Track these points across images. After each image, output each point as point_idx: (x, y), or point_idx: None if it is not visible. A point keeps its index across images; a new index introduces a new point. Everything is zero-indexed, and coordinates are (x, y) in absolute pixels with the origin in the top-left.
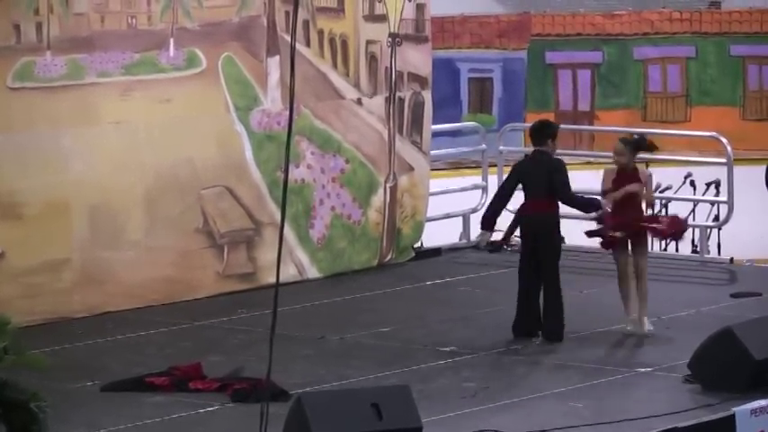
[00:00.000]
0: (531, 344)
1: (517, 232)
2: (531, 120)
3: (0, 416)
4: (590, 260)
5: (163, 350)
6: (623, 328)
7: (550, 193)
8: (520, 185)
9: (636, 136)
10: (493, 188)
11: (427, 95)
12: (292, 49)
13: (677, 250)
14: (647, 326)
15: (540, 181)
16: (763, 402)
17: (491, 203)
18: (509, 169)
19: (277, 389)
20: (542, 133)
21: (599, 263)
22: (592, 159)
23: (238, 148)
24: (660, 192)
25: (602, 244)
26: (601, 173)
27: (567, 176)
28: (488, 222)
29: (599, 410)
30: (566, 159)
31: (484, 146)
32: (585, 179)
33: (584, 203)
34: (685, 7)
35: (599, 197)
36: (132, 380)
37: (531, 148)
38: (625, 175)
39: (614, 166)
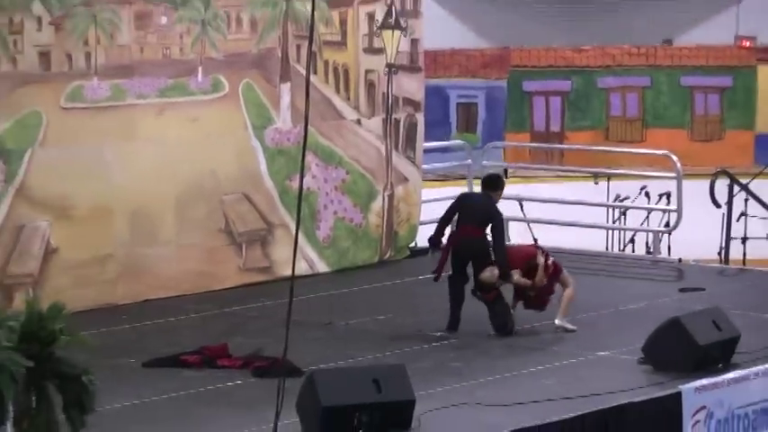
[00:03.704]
0: (506, 330)
1: None
2: (511, 139)
3: (57, 387)
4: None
5: (194, 332)
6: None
7: (481, 226)
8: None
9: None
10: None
11: (420, 117)
12: (307, 79)
13: (633, 251)
14: (558, 321)
15: (477, 216)
16: (705, 381)
17: (438, 227)
18: None
19: (291, 366)
20: (494, 185)
21: (563, 262)
22: (561, 174)
23: (254, 160)
24: (620, 201)
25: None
26: (569, 185)
27: (504, 232)
28: (435, 242)
29: (566, 387)
30: (539, 173)
31: (469, 161)
32: (556, 191)
33: (502, 266)
34: (642, 43)
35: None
36: (168, 357)
37: (508, 163)
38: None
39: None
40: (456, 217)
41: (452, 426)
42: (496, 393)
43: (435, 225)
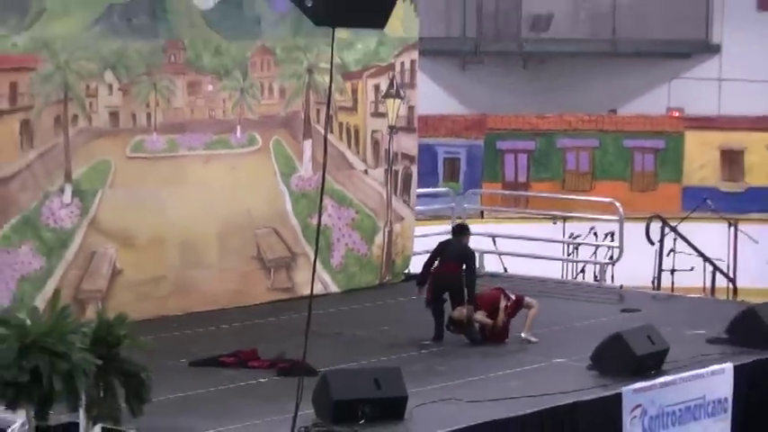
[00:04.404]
0: (479, 342)
1: None
2: (486, 187)
3: (120, 381)
4: (525, 285)
5: (230, 339)
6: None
7: (459, 264)
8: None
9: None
10: None
11: (414, 169)
12: (325, 137)
13: (584, 279)
14: (524, 334)
15: (455, 256)
16: (640, 384)
17: (422, 271)
18: (470, 220)
19: (309, 368)
20: (464, 231)
21: (528, 286)
22: (526, 216)
23: (282, 202)
24: (573, 239)
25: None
26: (533, 225)
27: (475, 269)
28: (421, 281)
29: (527, 387)
30: (509, 215)
31: (453, 204)
32: (522, 229)
33: (471, 299)
34: (592, 112)
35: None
36: (209, 359)
37: (484, 207)
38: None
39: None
40: (438, 258)
41: (438, 418)
42: (474, 392)
43: (421, 268)
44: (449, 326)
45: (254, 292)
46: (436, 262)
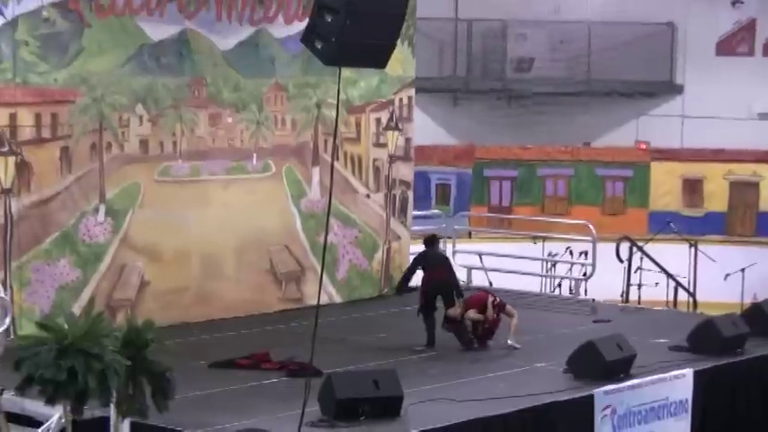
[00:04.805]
0: (472, 347)
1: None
2: (474, 210)
3: (147, 380)
4: (508, 297)
5: (245, 344)
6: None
7: (444, 268)
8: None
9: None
10: (449, 251)
11: (410, 193)
12: (332, 165)
13: (561, 293)
14: (509, 341)
15: (439, 262)
16: (610, 387)
17: (405, 276)
18: (459, 239)
19: (315, 370)
20: (435, 242)
21: (511, 299)
22: (510, 236)
23: (292, 222)
24: (551, 257)
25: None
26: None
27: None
28: (401, 290)
29: (512, 388)
30: (494, 235)
31: (444, 225)
32: (506, 248)
33: (459, 290)
34: (569, 144)
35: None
36: (227, 361)
37: (472, 228)
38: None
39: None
40: (422, 267)
41: (431, 415)
42: (463, 392)
43: (403, 278)
44: (444, 324)
45: (267, 302)
46: (419, 271)
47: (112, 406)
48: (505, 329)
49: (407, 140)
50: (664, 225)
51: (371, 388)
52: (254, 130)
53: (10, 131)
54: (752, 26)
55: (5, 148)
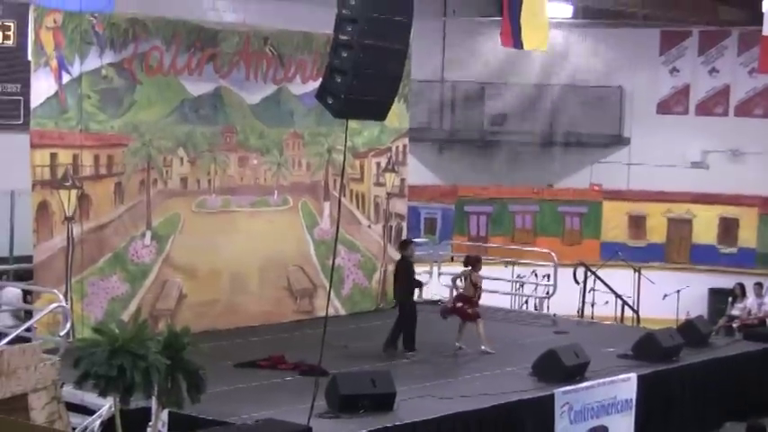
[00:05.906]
0: (454, 352)
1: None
2: (456, 239)
3: (183, 377)
4: (483, 312)
5: (265, 347)
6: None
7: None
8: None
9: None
10: (434, 273)
11: (404, 225)
12: (339, 200)
13: (527, 308)
14: (483, 347)
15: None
16: (568, 388)
17: (410, 290)
18: (444, 263)
19: (323, 370)
20: (407, 246)
21: (485, 313)
22: (485, 260)
23: (307, 247)
24: (519, 279)
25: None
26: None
27: None
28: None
29: (486, 387)
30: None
31: (431, 251)
32: (482, 271)
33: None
34: (535, 185)
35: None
36: (250, 362)
37: (453, 253)
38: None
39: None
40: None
41: (419, 409)
42: (446, 390)
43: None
44: (443, 316)
45: (283, 313)
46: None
47: (154, 398)
48: (476, 340)
49: (402, 181)
50: (613, 253)
51: (369, 386)
52: (275, 171)
53: (73, 169)
54: (686, 90)
55: (69, 183)
